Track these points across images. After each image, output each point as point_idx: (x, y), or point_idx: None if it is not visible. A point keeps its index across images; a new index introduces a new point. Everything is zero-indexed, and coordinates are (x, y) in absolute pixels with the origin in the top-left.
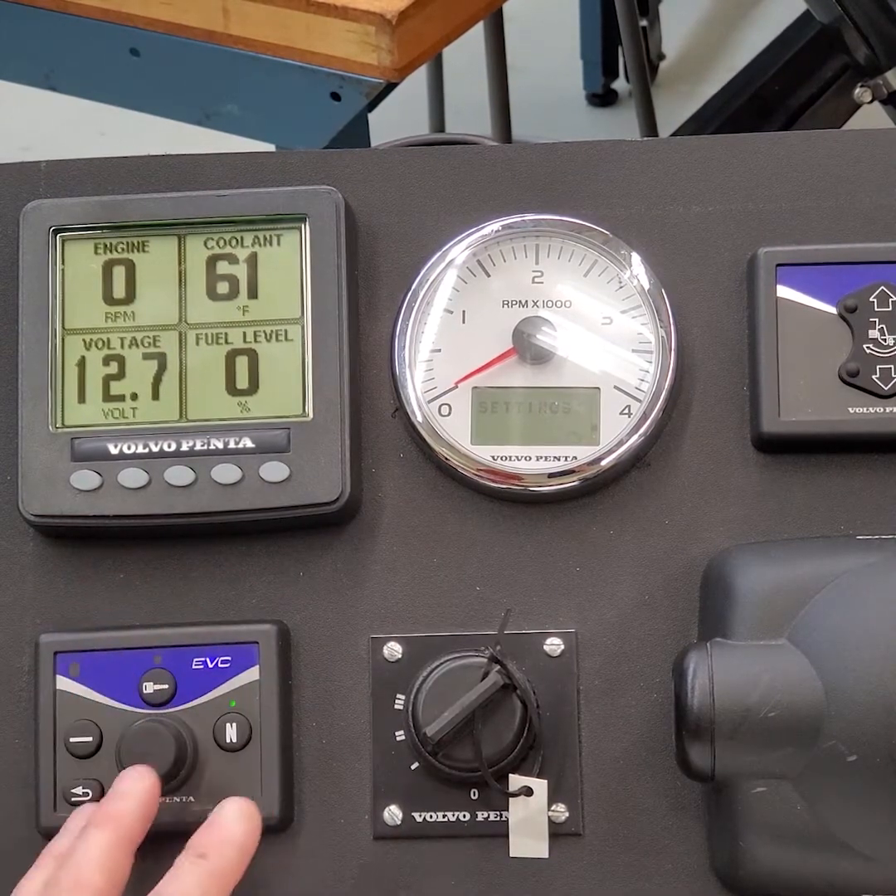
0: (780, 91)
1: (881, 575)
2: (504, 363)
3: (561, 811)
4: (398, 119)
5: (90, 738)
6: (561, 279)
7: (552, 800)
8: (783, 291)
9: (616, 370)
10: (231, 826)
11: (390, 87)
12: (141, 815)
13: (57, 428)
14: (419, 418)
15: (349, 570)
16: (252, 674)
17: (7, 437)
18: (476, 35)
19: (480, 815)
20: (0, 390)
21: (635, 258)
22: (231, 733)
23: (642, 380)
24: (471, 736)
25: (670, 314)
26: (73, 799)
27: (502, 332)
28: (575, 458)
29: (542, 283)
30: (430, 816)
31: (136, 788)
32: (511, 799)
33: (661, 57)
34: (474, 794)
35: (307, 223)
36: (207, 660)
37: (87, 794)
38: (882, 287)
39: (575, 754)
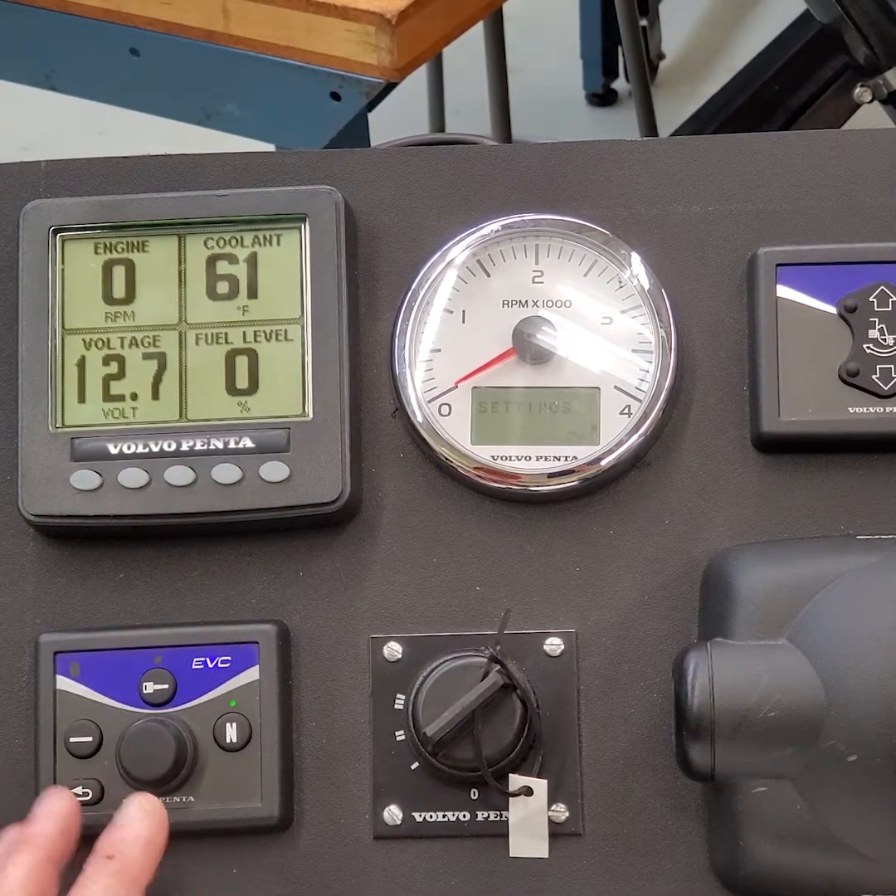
0: (780, 91)
1: (881, 575)
2: (504, 363)
3: (561, 811)
4: (398, 119)
5: (90, 738)
6: (561, 279)
7: (552, 800)
8: (783, 291)
9: (616, 370)
10: (135, 824)
11: (390, 87)
12: (62, 835)
13: (57, 428)
14: (419, 418)
15: (349, 570)
16: (252, 674)
17: (7, 437)
18: (476, 35)
19: (480, 815)
20: (0, 390)
21: (635, 258)
22: (231, 733)
23: (642, 380)
24: (471, 736)
25: (670, 314)
26: None
27: (502, 331)
28: (575, 457)
29: (542, 282)
30: (430, 816)
31: (55, 808)
32: (511, 799)
33: (661, 57)
34: (474, 794)
35: (307, 223)
36: (207, 660)
37: (88, 794)
38: (882, 287)
39: (575, 754)
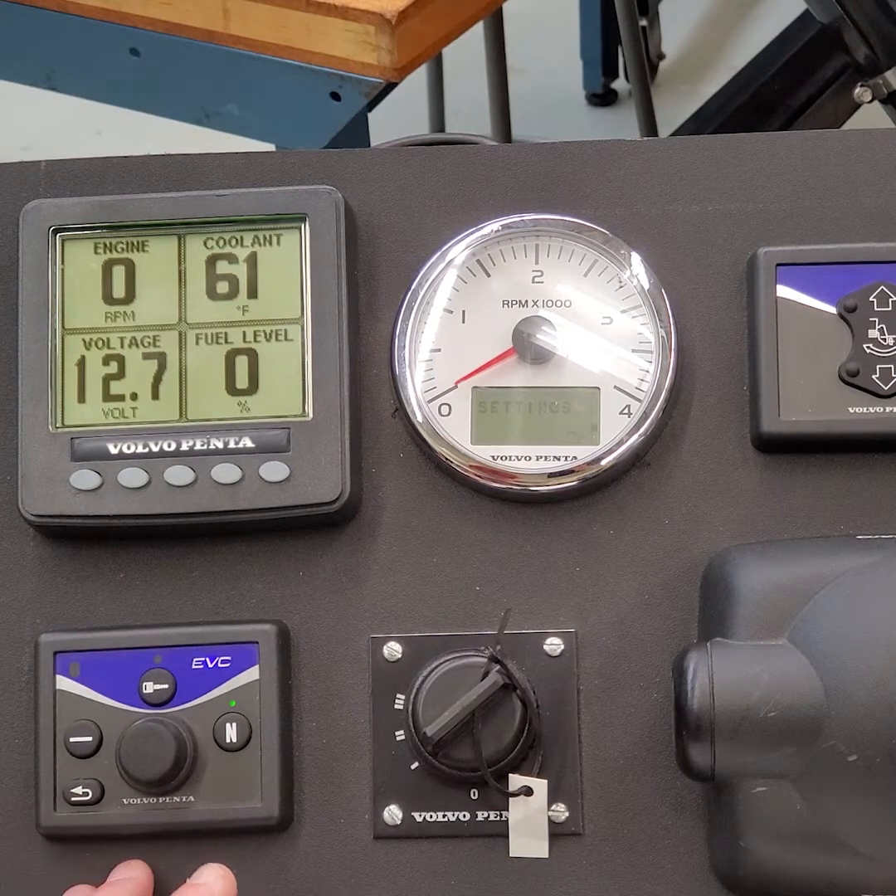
0: (780, 91)
1: (881, 575)
2: (504, 363)
3: (561, 811)
4: (398, 119)
5: (90, 738)
6: (561, 279)
7: (552, 800)
8: (783, 291)
9: (616, 370)
10: (211, 883)
11: (390, 87)
12: None
13: (57, 428)
14: (419, 418)
15: (349, 570)
16: (252, 674)
17: (7, 437)
18: (476, 35)
19: (480, 815)
20: (0, 390)
21: (635, 258)
22: (231, 733)
23: (642, 380)
24: (471, 736)
25: (670, 314)
26: (74, 799)
27: (502, 331)
28: (575, 457)
29: (542, 282)
30: (430, 816)
31: (132, 874)
32: (511, 799)
33: (661, 57)
34: (474, 794)
35: (307, 223)
36: (207, 660)
37: (87, 794)
38: (882, 287)
39: (575, 754)
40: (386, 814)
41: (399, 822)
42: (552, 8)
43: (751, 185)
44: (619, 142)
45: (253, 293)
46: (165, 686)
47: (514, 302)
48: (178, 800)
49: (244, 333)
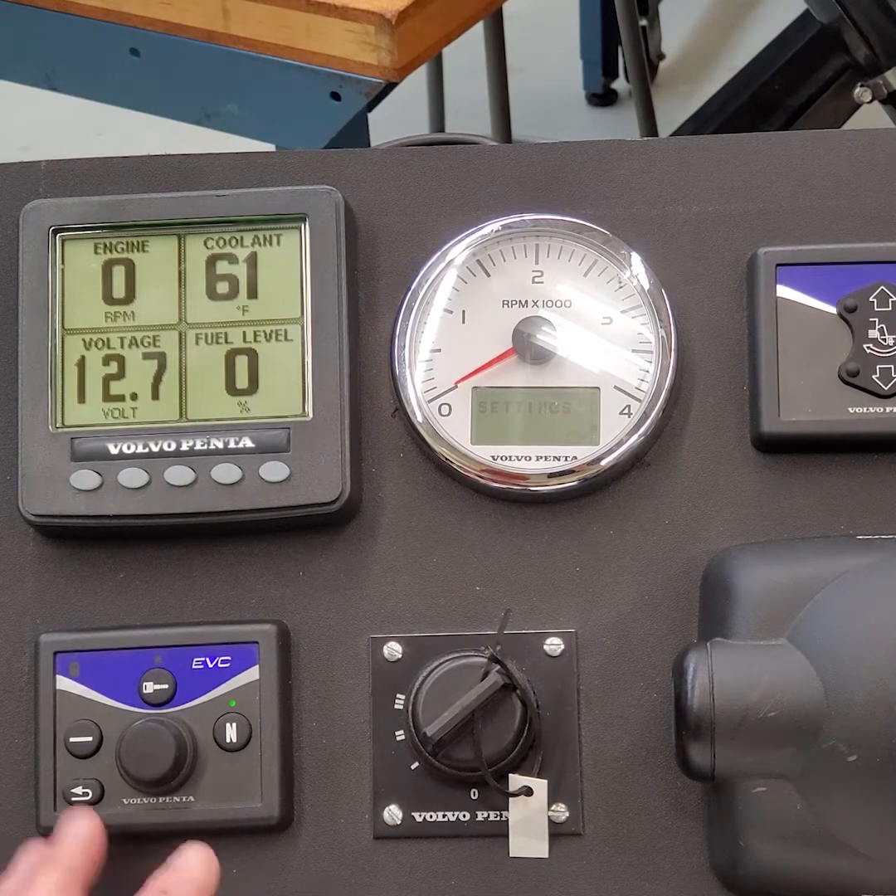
0: (780, 91)
1: (881, 575)
2: (504, 363)
3: (561, 811)
4: (398, 119)
5: (90, 738)
6: (561, 279)
7: (552, 800)
8: (783, 291)
9: (616, 370)
10: (191, 868)
11: (390, 87)
12: (87, 855)
13: (57, 428)
14: (419, 418)
15: (349, 570)
16: (252, 674)
17: (7, 437)
18: (476, 35)
19: (480, 815)
20: (0, 390)
21: (635, 258)
22: (231, 733)
23: (642, 380)
24: (471, 736)
25: (670, 314)
26: (73, 799)
27: (502, 332)
28: (575, 457)
29: (542, 282)
30: (430, 816)
31: (80, 829)
32: (511, 799)
33: (661, 57)
34: (474, 794)
35: (307, 223)
36: (207, 660)
37: (87, 794)
38: (882, 287)
39: (575, 754)
40: (386, 814)
41: (399, 822)
42: (552, 8)
43: (751, 185)
44: (619, 142)
45: (253, 293)
46: (165, 686)
47: (514, 302)
48: (178, 800)
49: (244, 333)
